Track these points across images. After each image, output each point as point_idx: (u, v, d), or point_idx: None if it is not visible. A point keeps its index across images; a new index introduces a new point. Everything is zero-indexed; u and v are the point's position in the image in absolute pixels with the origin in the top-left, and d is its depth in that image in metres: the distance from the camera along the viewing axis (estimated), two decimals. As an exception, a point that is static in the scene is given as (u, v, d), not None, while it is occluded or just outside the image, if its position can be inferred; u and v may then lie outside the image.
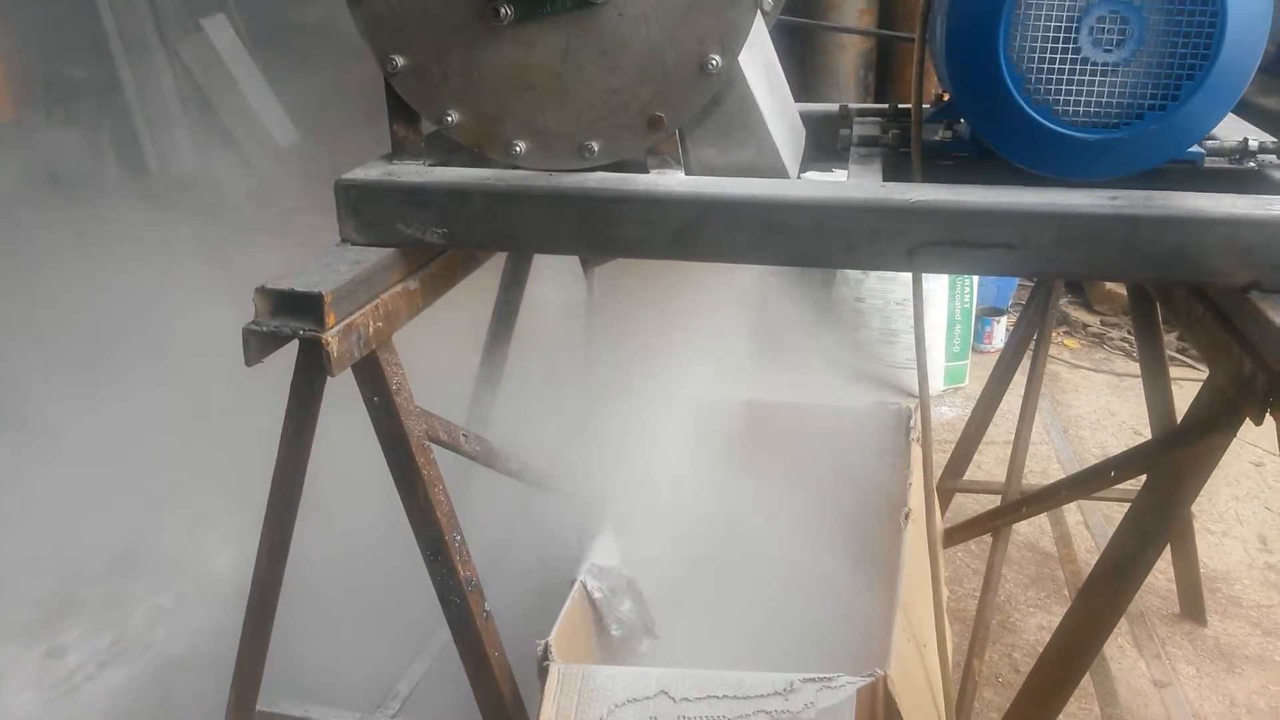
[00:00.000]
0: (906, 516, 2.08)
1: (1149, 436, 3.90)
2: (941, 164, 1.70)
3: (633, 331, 2.39)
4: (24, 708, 2.42)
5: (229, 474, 2.58)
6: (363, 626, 2.26)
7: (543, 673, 1.70)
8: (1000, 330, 4.86)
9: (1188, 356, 4.87)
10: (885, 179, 1.59)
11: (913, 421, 2.46)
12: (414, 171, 1.61)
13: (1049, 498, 2.15)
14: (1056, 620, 2.89)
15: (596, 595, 1.99)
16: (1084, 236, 1.40)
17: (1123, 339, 5.18)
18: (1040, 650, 2.68)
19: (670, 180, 1.55)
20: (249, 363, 1.46)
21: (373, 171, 1.62)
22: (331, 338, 1.43)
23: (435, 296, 1.72)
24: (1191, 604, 2.80)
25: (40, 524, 3.00)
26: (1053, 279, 2.35)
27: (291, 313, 1.45)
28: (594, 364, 2.35)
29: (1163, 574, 2.91)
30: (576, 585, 1.95)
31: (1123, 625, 2.76)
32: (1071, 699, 1.80)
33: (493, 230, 1.56)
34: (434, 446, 1.70)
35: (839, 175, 1.88)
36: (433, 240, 1.59)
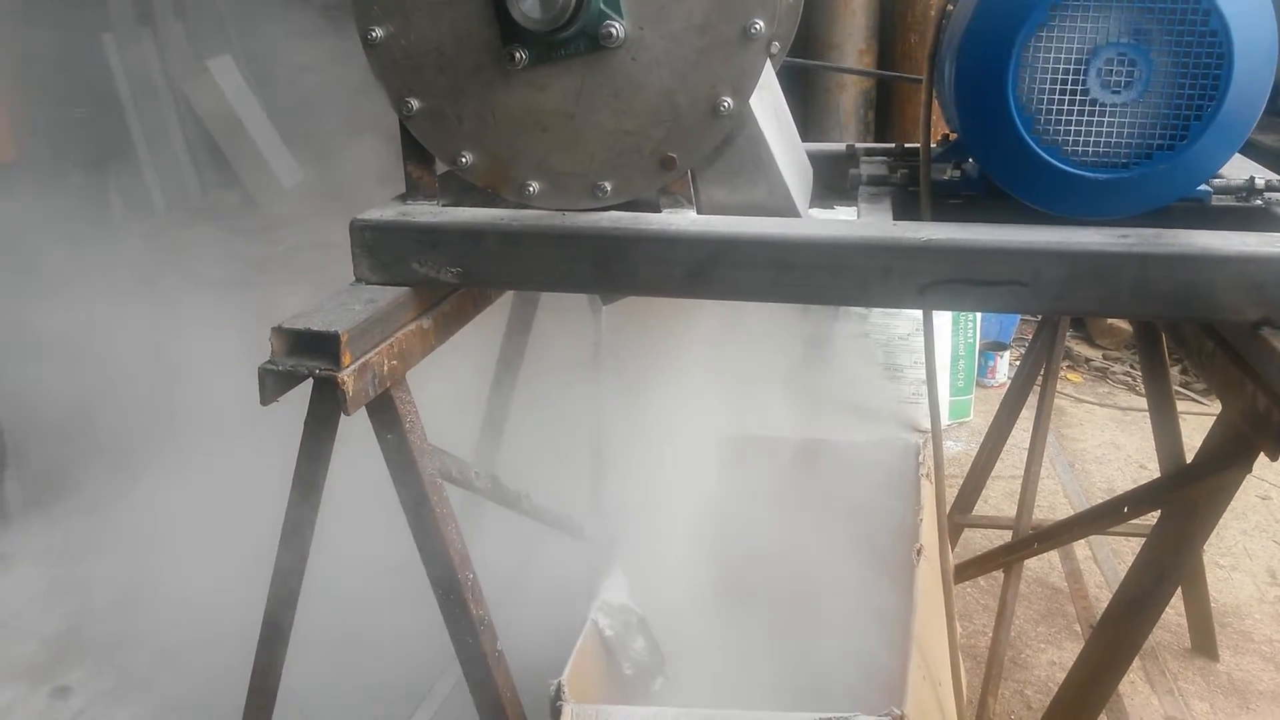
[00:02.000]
0: (919, 552, 2.08)
1: (1155, 470, 3.90)
2: (950, 203, 1.71)
3: (641, 370, 2.40)
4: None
5: (238, 510, 2.57)
6: (373, 666, 2.25)
7: (556, 713, 1.69)
8: (1004, 365, 4.87)
9: (1192, 391, 4.88)
10: (895, 218, 1.60)
11: (921, 456, 2.47)
12: (428, 211, 1.63)
13: (1062, 533, 2.14)
14: (1068, 656, 2.89)
15: (608, 634, 1.99)
16: (1095, 274, 1.41)
17: (1125, 373, 5.19)
18: (1053, 687, 2.67)
19: (682, 220, 1.56)
20: (264, 401, 1.47)
21: (388, 212, 1.63)
22: (347, 377, 1.44)
23: (448, 335, 1.73)
24: (1203, 639, 2.79)
25: (45, 562, 3.00)
26: (1063, 316, 2.36)
27: (307, 352, 1.46)
28: (602, 401, 2.36)
29: (1173, 609, 2.90)
30: (588, 624, 1.94)
31: (1135, 661, 2.74)
32: (1087, 737, 1.79)
33: (507, 269, 1.57)
34: (446, 485, 1.70)
35: (845, 213, 1.90)
36: (447, 279, 1.60)
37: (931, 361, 1.73)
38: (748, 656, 2.13)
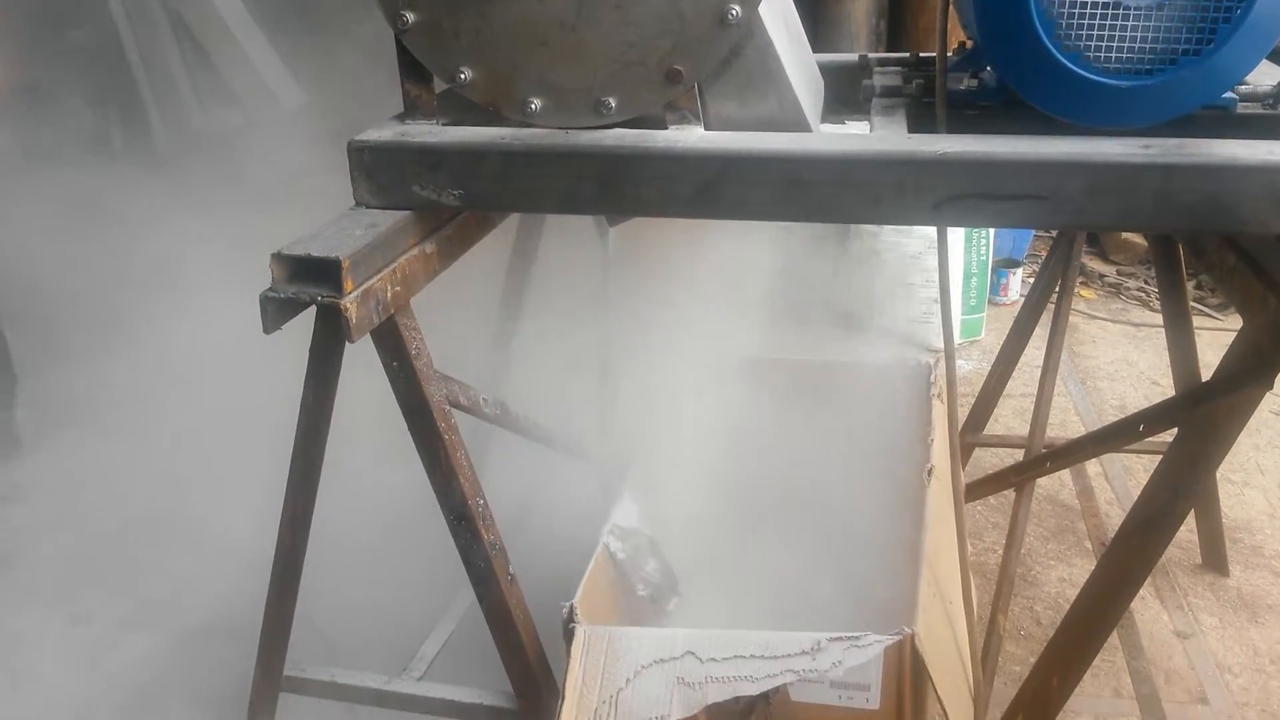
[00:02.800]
0: (930, 473, 2.07)
1: (1169, 388, 3.88)
2: (967, 113, 1.65)
3: (650, 291, 2.36)
4: (51, 677, 2.45)
5: (252, 440, 2.57)
6: (387, 588, 2.27)
7: (569, 635, 1.70)
8: (1016, 282, 4.82)
9: (1206, 306, 4.83)
10: (910, 130, 1.55)
11: (933, 376, 2.44)
12: (427, 131, 1.58)
13: (1075, 452, 2.12)
14: (1078, 573, 2.90)
15: (620, 556, 1.99)
16: (1116, 186, 1.37)
17: (1139, 289, 5.14)
18: (1063, 603, 2.69)
19: (690, 136, 1.51)
20: (267, 330, 1.45)
21: (385, 132, 1.59)
22: (350, 303, 1.41)
23: (452, 259, 1.69)
24: (1214, 555, 2.79)
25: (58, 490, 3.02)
26: (1083, 231, 2.31)
27: (309, 279, 1.43)
28: (611, 325, 2.33)
29: (1184, 525, 2.90)
30: (600, 547, 1.94)
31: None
32: (1096, 651, 1.79)
33: (509, 190, 1.53)
34: (454, 411, 1.69)
35: (857, 127, 1.84)
36: (449, 202, 1.56)
37: (945, 279, 1.69)
38: (760, 576, 2.14)
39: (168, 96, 6.54)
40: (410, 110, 1.64)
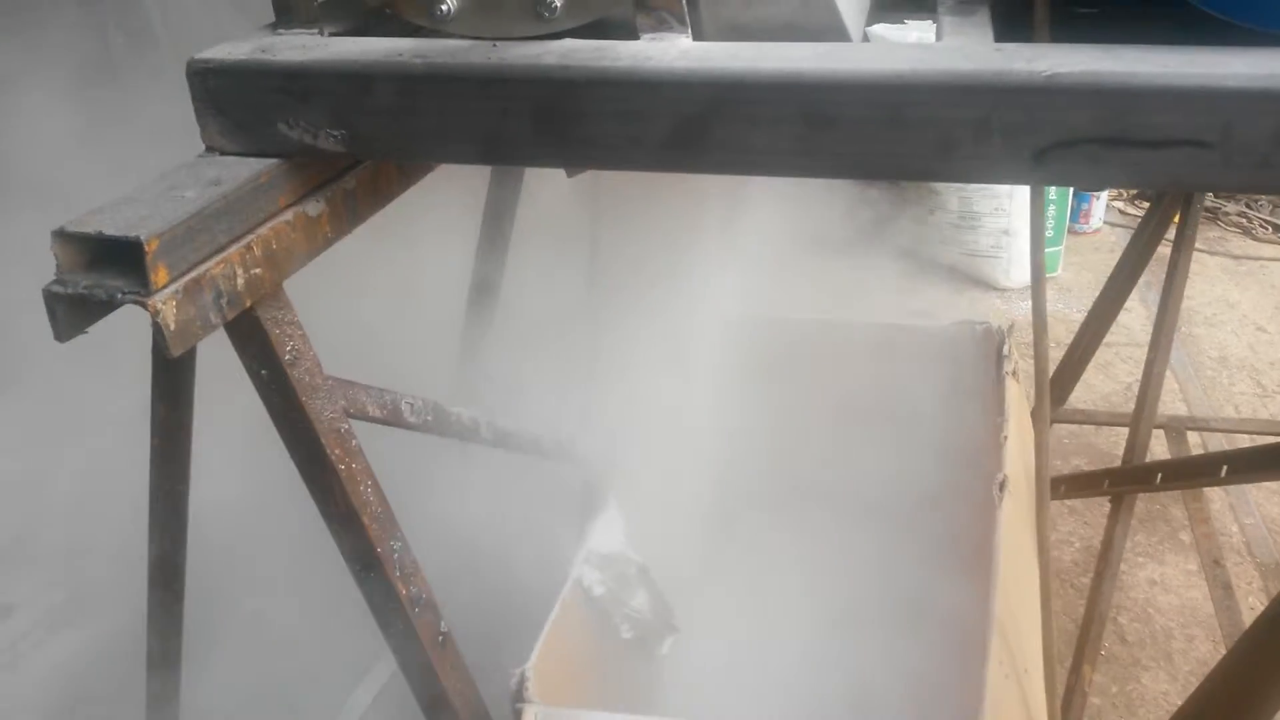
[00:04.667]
0: (1002, 486, 1.60)
1: (1274, 332, 3.32)
2: (1080, 11, 1.15)
3: (646, 241, 1.89)
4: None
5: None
6: (311, 635, 1.86)
7: (516, 715, 1.30)
8: (1099, 208, 4.24)
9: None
10: (996, 38, 1.05)
11: (1006, 348, 1.96)
12: (298, 46, 1.11)
13: (1200, 472, 1.62)
14: (1169, 574, 2.43)
15: (598, 591, 1.57)
16: (1326, 127, 0.87)
17: (1240, 214, 4.52)
18: (1152, 613, 2.22)
19: (669, 50, 1.03)
20: (60, 337, 1.01)
21: (241, 47, 1.12)
22: (163, 302, 0.97)
23: (356, 221, 1.24)
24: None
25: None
26: (1263, 195, 1.77)
27: (109, 266, 0.99)
28: (597, 287, 1.87)
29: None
30: (569, 584, 1.53)
31: (1255, 581, 2.28)
32: None
33: (408, 131, 1.07)
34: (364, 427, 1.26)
35: (919, 32, 1.34)
36: (328, 146, 1.10)
37: (1040, 250, 1.21)
38: (779, 607, 1.72)
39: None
40: (283, 15, 1.17)
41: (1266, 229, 4.34)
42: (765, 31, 1.08)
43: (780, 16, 1.07)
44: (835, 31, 1.09)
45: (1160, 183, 0.97)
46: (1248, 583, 2.23)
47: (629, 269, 1.89)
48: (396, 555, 1.27)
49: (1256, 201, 4.62)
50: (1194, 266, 4.04)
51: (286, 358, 1.14)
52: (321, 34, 1.16)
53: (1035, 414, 1.30)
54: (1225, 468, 1.49)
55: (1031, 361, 1.37)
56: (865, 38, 1.19)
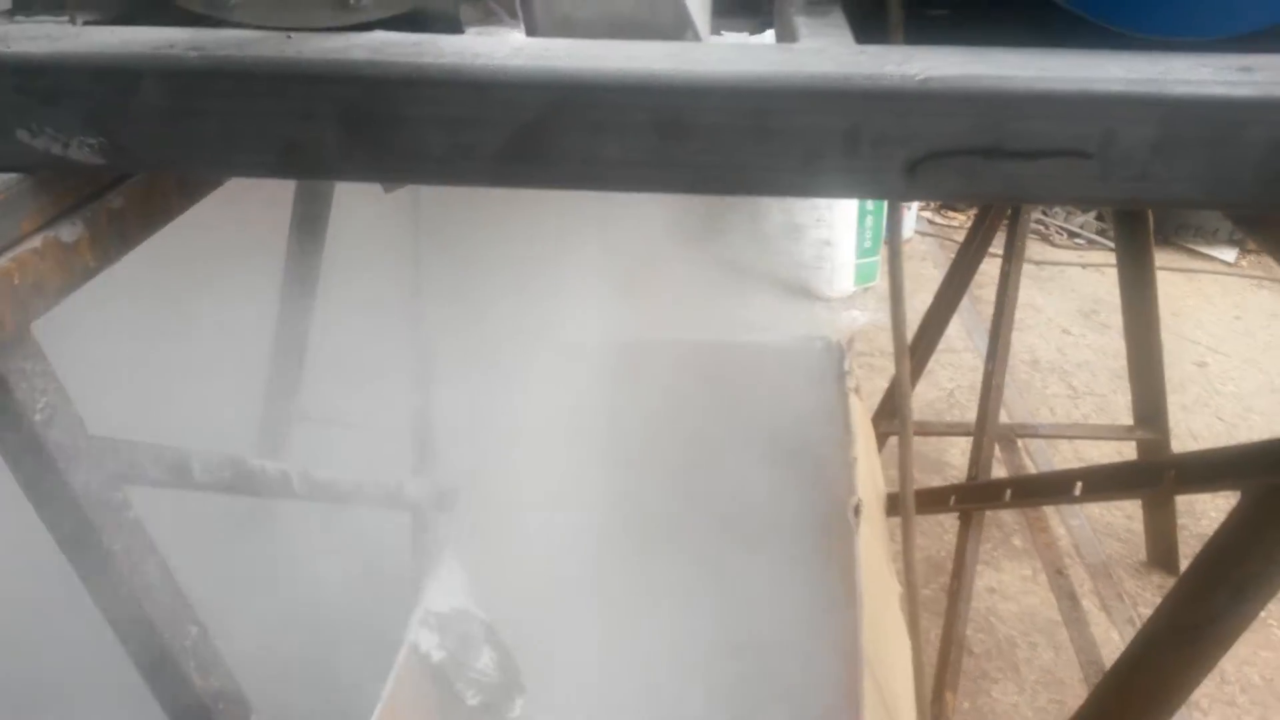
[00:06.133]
0: (856, 511, 1.54)
1: (1080, 336, 3.49)
2: (932, 14, 1.09)
3: (476, 256, 1.74)
4: None
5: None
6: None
7: (346, 814, 1.13)
8: (912, 218, 4.36)
9: (1108, 238, 4.48)
10: (857, 40, 0.97)
11: (847, 364, 1.91)
12: (41, 36, 0.91)
13: (1055, 490, 1.61)
14: (1007, 581, 2.47)
15: (437, 657, 1.41)
16: (1206, 136, 0.83)
17: (1037, 220, 4.76)
18: (994, 621, 2.24)
19: (500, 47, 0.89)
20: None
21: (-33, 36, 0.91)
22: None
23: (126, 246, 1.04)
24: (1162, 550, 2.39)
25: None
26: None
27: None
28: (423, 304, 1.70)
29: (1127, 516, 2.49)
30: (404, 649, 1.36)
31: (1085, 584, 2.34)
32: None
33: (184, 139, 0.89)
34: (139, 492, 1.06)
35: (767, 35, 1.26)
36: (82, 158, 0.91)
37: (899, 273, 1.14)
38: (639, 655, 1.60)
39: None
40: (21, 0, 0.96)
41: (1062, 235, 4.58)
42: (605, 28, 0.96)
43: (623, 12, 0.96)
44: (682, 27, 0.98)
45: (1036, 196, 0.90)
46: (1079, 584, 2.29)
47: (456, 285, 1.73)
48: (192, 643, 1.07)
49: (1051, 210, 4.89)
50: (996, 271, 4.25)
51: (38, 417, 0.93)
52: (73, 22, 0.96)
53: (900, 432, 1.23)
54: (1080, 485, 1.48)
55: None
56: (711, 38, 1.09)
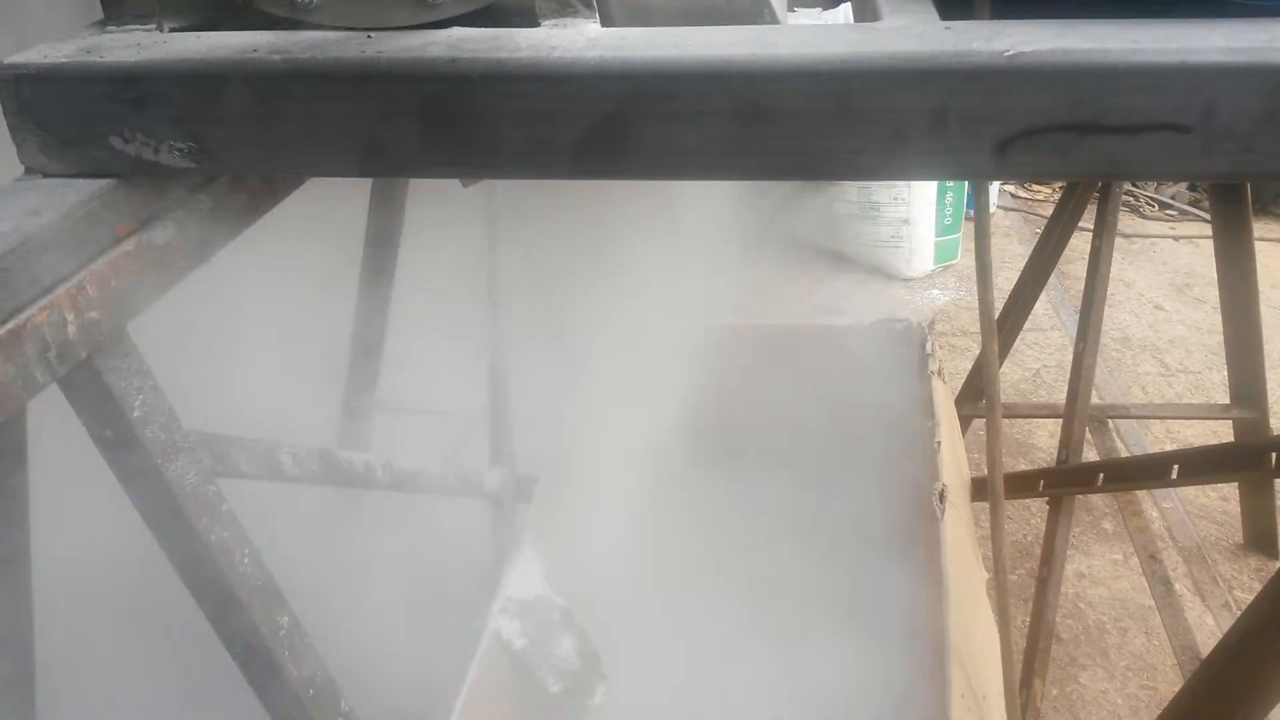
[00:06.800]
0: (942, 497, 1.51)
1: (1174, 312, 3.36)
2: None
3: (549, 250, 1.75)
4: None
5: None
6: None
7: (435, 801, 1.15)
8: (994, 192, 4.25)
9: (1202, 209, 4.32)
10: (942, 16, 0.94)
11: (929, 347, 1.88)
12: (131, 45, 0.93)
13: (1150, 474, 1.56)
14: (1097, 565, 2.41)
15: (518, 644, 1.42)
16: (1317, 106, 0.78)
17: (1127, 191, 4.60)
18: (1083, 607, 2.18)
19: (576, 38, 0.89)
20: None
21: (62, 49, 0.94)
22: (-34, 365, 0.79)
23: (209, 249, 1.06)
24: (1259, 533, 2.30)
25: None
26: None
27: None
28: (500, 303, 1.71)
29: (1221, 496, 2.40)
30: (485, 637, 1.37)
31: (1179, 567, 2.27)
32: None
33: (270, 140, 0.90)
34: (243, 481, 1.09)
35: (847, 13, 1.23)
36: (172, 162, 0.93)
37: (986, 251, 1.11)
38: (721, 642, 1.59)
39: None
40: (112, 8, 0.99)
41: (1153, 206, 4.43)
42: (680, 14, 0.95)
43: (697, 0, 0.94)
44: (760, 12, 0.96)
45: (1133, 172, 0.87)
46: (1173, 568, 2.22)
47: (531, 277, 1.74)
48: (284, 633, 1.10)
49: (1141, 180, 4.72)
50: (1085, 246, 4.12)
51: (135, 414, 0.96)
52: (160, 30, 0.98)
53: (987, 415, 1.20)
54: (1176, 468, 1.42)
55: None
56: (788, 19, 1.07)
